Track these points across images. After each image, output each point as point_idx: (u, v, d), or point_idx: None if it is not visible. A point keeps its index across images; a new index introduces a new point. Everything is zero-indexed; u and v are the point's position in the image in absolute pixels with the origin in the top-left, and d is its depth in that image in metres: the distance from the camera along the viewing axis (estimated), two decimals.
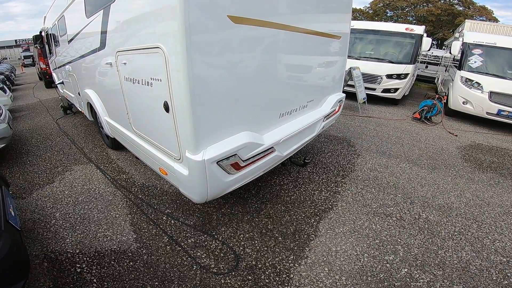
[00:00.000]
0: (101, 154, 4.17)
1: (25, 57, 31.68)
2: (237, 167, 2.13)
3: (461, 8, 28.93)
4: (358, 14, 35.80)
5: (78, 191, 3.22)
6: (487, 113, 6.14)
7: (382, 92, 7.83)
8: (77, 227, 2.61)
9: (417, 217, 2.92)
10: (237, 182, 2.23)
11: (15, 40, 40.71)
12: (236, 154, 2.06)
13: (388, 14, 33.88)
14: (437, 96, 7.26)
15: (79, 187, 3.30)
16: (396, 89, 7.68)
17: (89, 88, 3.85)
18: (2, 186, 2.03)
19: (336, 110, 3.67)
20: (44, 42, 7.53)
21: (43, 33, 7.25)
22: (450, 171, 4.03)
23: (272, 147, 2.44)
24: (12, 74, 15.42)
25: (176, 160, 2.10)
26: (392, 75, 7.57)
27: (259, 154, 2.29)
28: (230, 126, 2.10)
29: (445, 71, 9.97)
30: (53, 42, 6.02)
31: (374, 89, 7.86)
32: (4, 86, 6.99)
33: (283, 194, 3.19)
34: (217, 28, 1.79)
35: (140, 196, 3.08)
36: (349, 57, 4.31)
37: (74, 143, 4.60)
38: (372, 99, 8.01)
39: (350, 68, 6.67)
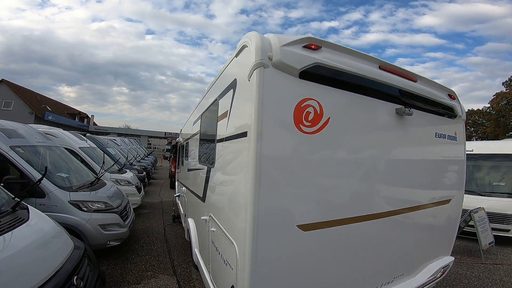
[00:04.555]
0: (186, 270, 4.52)
1: (167, 150, 39.73)
2: None
3: None
4: (477, 117, 31.25)
5: None
6: None
7: None
8: None
9: None
10: None
11: (165, 133, 49.63)
12: None
13: None
14: None
15: None
16: None
17: (191, 218, 4.36)
18: None
19: (438, 276, 2.94)
20: (177, 152, 9.52)
21: (178, 144, 9.26)
22: None
23: None
24: (153, 168, 19.83)
25: None
26: None
27: None
28: None
29: None
30: (181, 157, 7.43)
31: (507, 231, 6.00)
32: (141, 185, 8.94)
33: None
34: (283, 242, 1.85)
35: None
36: (467, 192, 3.47)
37: (169, 253, 5.21)
38: (503, 240, 6.04)
39: (470, 212, 5.34)
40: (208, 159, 3.06)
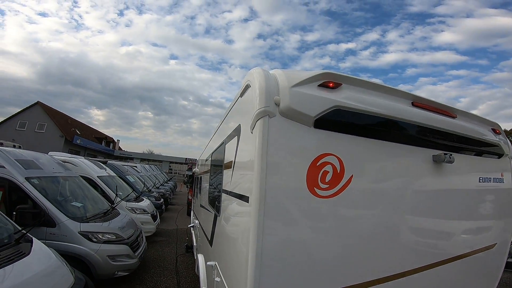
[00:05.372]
0: None
1: (187, 175, 40.50)
2: None
3: None
4: None
5: None
6: None
7: None
8: None
9: None
10: None
11: (185, 158, 48.77)
12: None
13: None
14: None
15: None
16: None
17: (201, 254, 4.01)
18: None
19: None
20: (193, 182, 9.39)
21: (194, 175, 9.22)
22: None
23: None
24: (171, 194, 20.00)
25: None
26: None
27: None
28: None
29: None
30: (195, 188, 7.23)
31: None
32: (157, 212, 8.93)
33: None
34: None
35: None
36: None
37: (178, 286, 5.02)
38: None
39: None
40: (216, 205, 2.78)
